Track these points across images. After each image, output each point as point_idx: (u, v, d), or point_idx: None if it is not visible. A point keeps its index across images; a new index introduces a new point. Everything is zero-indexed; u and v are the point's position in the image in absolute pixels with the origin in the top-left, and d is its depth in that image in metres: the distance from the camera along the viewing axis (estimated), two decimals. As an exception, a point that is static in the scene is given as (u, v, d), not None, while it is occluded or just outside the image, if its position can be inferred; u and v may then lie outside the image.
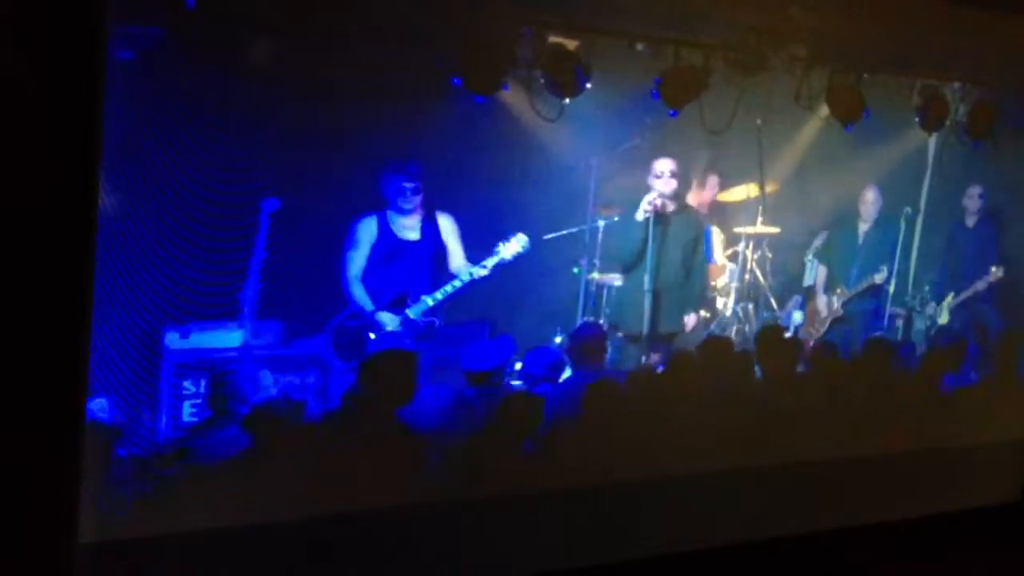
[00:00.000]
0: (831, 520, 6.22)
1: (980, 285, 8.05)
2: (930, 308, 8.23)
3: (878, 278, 7.82)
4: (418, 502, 5.17)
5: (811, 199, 8.06)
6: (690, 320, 7.11)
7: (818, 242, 8.21)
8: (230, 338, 6.01)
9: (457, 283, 6.38)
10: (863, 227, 8.00)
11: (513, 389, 6.05)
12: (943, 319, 8.15)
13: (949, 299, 8.18)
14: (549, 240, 7.33)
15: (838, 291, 7.94)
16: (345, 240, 6.37)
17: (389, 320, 6.29)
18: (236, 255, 5.92)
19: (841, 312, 7.93)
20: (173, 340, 5.90)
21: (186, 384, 5.86)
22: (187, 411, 5.82)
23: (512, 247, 6.42)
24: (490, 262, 6.40)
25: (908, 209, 7.91)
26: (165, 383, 5.83)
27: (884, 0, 6.65)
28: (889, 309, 8.01)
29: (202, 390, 5.73)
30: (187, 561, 4.70)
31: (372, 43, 5.84)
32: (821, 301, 8.06)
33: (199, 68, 5.53)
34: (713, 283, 7.72)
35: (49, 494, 4.23)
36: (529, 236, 6.99)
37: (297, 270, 6.18)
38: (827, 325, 7.96)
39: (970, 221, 8.25)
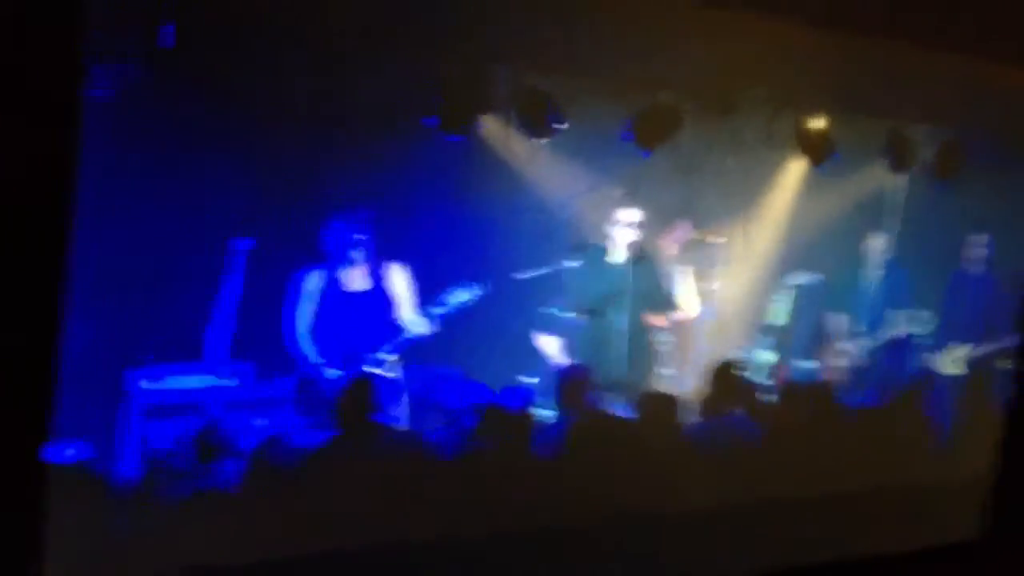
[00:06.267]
0: (794, 558, 6.20)
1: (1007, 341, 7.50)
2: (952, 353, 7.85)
3: (899, 330, 7.66)
4: (412, 538, 5.08)
5: (781, 239, 8.13)
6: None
7: (788, 282, 8.25)
8: (202, 380, 5.93)
9: (408, 334, 6.14)
10: (873, 273, 7.79)
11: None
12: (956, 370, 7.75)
13: (964, 350, 7.80)
14: (520, 281, 7.32)
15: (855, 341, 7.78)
16: (289, 295, 6.08)
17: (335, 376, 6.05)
18: (209, 294, 5.86)
19: (862, 361, 7.76)
20: (143, 382, 5.82)
21: (156, 426, 5.76)
22: (158, 454, 5.71)
23: (459, 295, 6.14)
24: (436, 311, 6.15)
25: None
26: (135, 425, 5.74)
27: (853, 42, 6.74)
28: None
29: (176, 432, 5.63)
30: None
31: (349, 83, 5.85)
32: (841, 349, 7.90)
33: (176, 106, 5.51)
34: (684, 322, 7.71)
35: (13, 541, 4.12)
36: (499, 276, 6.96)
37: (271, 310, 6.11)
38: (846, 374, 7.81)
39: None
